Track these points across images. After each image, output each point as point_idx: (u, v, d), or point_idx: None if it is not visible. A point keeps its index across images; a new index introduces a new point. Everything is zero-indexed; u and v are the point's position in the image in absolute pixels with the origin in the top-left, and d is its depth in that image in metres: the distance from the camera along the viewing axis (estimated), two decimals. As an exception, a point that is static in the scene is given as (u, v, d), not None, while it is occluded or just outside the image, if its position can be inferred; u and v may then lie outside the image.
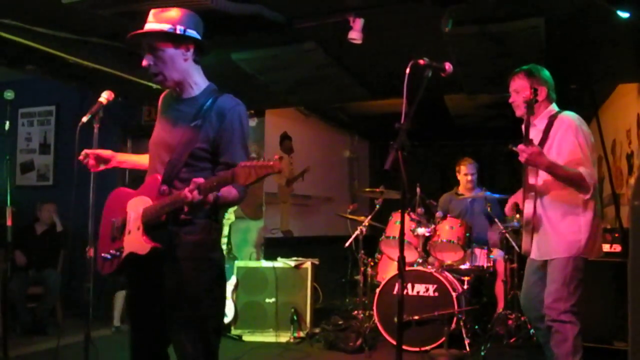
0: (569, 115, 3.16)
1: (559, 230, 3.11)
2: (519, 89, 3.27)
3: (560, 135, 3.10)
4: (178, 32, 2.39)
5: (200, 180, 2.13)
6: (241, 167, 2.03)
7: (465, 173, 5.90)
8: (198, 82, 2.52)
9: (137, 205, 2.39)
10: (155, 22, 2.40)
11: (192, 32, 2.43)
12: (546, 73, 3.27)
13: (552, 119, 3.18)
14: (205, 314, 2.38)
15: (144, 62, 2.43)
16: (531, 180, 3.20)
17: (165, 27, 2.38)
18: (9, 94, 4.43)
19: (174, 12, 2.42)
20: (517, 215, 3.35)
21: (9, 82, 5.57)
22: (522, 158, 2.97)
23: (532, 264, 3.31)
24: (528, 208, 3.20)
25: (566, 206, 3.11)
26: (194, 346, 2.35)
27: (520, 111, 3.28)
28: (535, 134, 3.18)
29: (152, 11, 2.44)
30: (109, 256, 2.43)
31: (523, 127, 3.07)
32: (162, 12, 2.42)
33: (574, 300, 3.02)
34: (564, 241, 3.09)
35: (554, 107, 3.26)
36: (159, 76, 2.45)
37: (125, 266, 2.40)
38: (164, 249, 2.32)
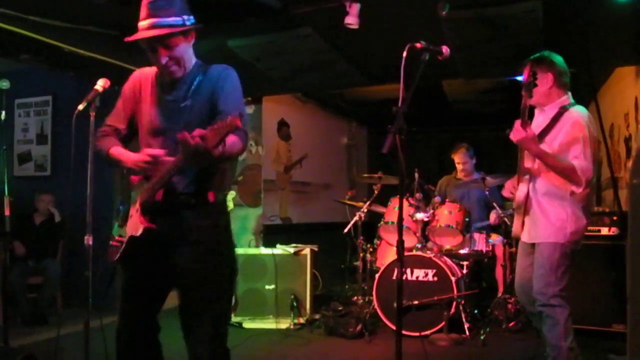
0: (580, 111, 3.12)
1: (547, 215, 3.12)
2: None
3: (567, 129, 3.07)
4: (188, 24, 2.35)
5: (203, 131, 2.01)
6: (209, 131, 1.99)
7: (457, 162, 5.94)
8: (192, 62, 2.48)
9: (140, 191, 2.41)
10: (157, 17, 2.29)
11: (192, 18, 2.38)
12: (557, 58, 3.20)
13: (562, 110, 3.14)
14: (217, 297, 2.38)
15: (164, 61, 2.34)
16: (527, 164, 3.21)
17: (174, 21, 2.30)
18: (4, 84, 4.39)
19: (170, 1, 2.33)
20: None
21: (4, 72, 5.53)
22: (514, 137, 3.00)
23: (524, 248, 3.32)
24: (521, 191, 3.22)
25: (555, 193, 3.11)
26: (204, 330, 2.34)
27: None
28: (542, 120, 3.19)
29: (146, 3, 2.32)
30: (117, 243, 2.44)
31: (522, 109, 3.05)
32: (157, 4, 2.30)
33: (562, 285, 3.06)
34: (552, 227, 3.10)
35: (568, 98, 3.20)
36: (174, 69, 2.39)
37: (128, 251, 2.39)
38: (167, 232, 2.32)
